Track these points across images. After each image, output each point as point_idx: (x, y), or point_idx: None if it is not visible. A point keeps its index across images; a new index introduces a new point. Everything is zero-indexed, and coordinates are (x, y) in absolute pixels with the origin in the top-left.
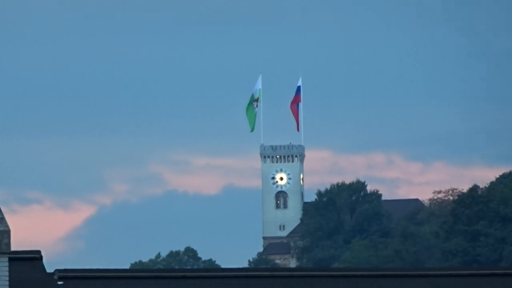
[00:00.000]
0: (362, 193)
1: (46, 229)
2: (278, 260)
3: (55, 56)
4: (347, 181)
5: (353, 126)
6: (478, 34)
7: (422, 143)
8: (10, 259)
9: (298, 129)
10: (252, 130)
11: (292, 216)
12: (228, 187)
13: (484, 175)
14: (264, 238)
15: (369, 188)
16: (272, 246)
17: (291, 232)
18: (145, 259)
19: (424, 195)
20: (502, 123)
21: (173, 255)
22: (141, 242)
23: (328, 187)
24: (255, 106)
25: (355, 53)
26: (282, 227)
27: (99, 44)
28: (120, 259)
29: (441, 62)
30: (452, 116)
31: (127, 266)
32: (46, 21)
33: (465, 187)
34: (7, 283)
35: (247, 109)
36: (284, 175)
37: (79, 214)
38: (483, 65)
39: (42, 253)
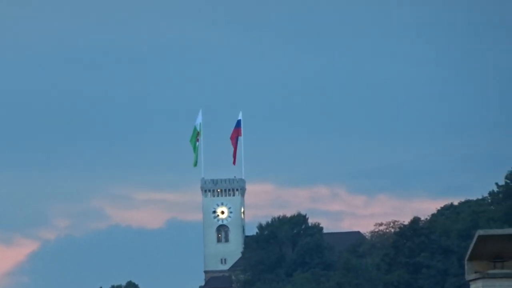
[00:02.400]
0: (303, 226)
1: None
2: None
3: None
4: (291, 215)
5: (296, 159)
6: (421, 67)
7: (366, 176)
8: None
9: (234, 163)
10: (195, 165)
11: (233, 250)
12: (171, 221)
13: (427, 207)
14: (205, 272)
15: (311, 221)
16: (213, 280)
17: (232, 266)
18: None
19: (369, 227)
20: (445, 155)
21: None
22: (82, 276)
23: (269, 220)
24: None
25: (296, 86)
26: (223, 261)
27: (39, 77)
28: None
29: (383, 95)
30: (395, 148)
31: None
32: None
33: (407, 219)
34: None
35: (192, 143)
36: (225, 209)
37: (21, 249)
38: (425, 98)
39: None
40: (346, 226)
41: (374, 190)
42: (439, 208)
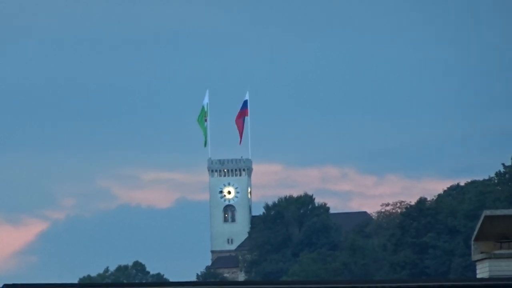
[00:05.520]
0: (310, 206)
1: None
2: (227, 274)
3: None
4: (297, 195)
5: (305, 139)
6: (427, 47)
7: (375, 156)
8: None
9: (240, 143)
10: (205, 145)
11: (240, 230)
12: (179, 200)
13: (437, 188)
14: (212, 251)
15: (320, 201)
16: (220, 259)
17: (239, 246)
18: (93, 274)
19: (378, 207)
20: (454, 136)
21: (122, 269)
22: (90, 256)
23: (276, 200)
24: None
25: (304, 66)
26: (230, 241)
27: (43, 60)
28: (69, 274)
29: (392, 77)
30: (405, 129)
31: (75, 281)
32: None
33: (416, 200)
34: None
35: (200, 123)
36: (232, 189)
37: (29, 229)
38: (433, 78)
39: None
40: (355, 206)
41: (384, 170)
42: (445, 188)
